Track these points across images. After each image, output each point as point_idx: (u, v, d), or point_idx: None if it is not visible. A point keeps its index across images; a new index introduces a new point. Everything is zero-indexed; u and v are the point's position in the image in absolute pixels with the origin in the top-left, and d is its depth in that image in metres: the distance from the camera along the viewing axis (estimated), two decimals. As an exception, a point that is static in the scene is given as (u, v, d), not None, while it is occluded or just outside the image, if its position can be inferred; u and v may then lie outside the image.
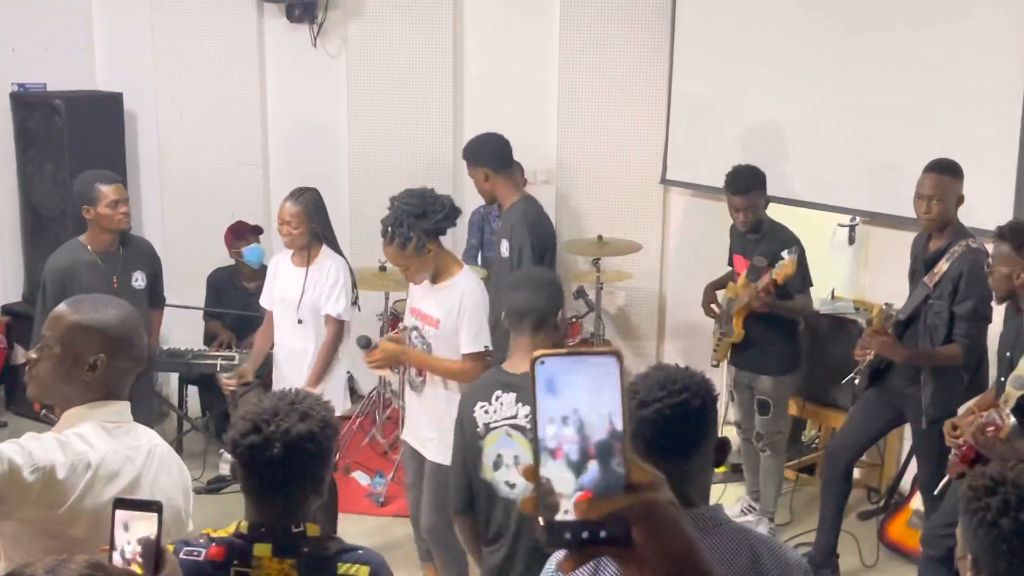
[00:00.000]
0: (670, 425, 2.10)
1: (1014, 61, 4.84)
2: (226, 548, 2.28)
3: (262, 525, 2.29)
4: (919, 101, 5.29)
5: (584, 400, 0.99)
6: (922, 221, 4.46)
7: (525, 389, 3.29)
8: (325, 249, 4.79)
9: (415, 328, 4.20)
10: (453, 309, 4.04)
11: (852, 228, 6.11)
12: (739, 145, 6.10)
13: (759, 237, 5.06)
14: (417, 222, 3.97)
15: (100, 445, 2.35)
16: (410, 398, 4.38)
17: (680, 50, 6.48)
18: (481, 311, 4.08)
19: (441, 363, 4.11)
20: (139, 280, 4.90)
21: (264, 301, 4.99)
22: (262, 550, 2.27)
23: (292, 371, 4.80)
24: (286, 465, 2.21)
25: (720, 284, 5.32)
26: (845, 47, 5.58)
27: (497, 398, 3.26)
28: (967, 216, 4.51)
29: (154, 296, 5.06)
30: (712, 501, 2.28)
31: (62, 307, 2.48)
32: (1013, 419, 3.59)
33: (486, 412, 3.26)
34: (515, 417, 3.24)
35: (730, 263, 5.35)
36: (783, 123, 5.96)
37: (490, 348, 4.08)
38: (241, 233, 6.16)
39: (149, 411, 5.20)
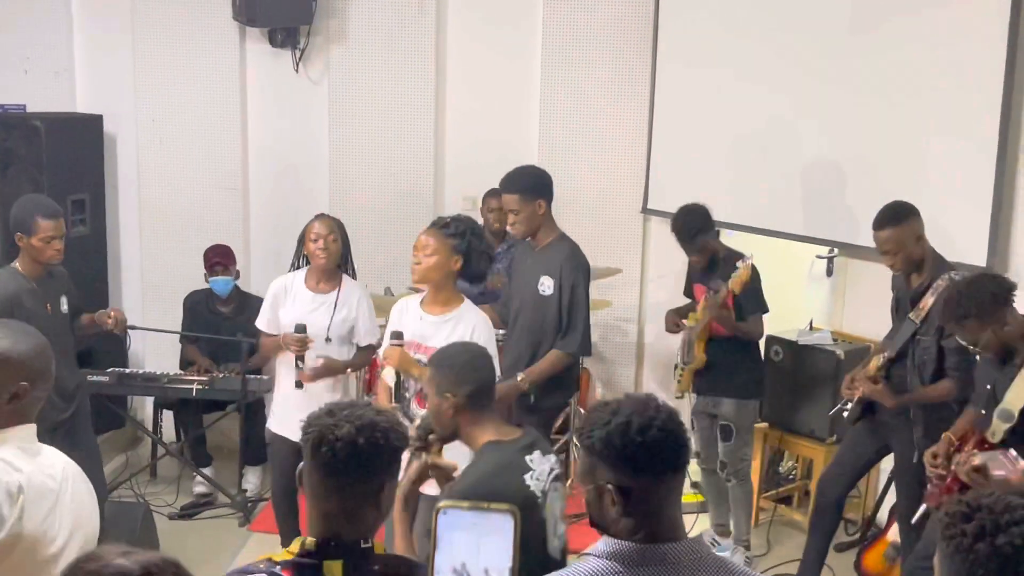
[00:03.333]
0: (672, 439, 2.13)
1: (991, 94, 4.89)
2: (293, 570, 2.15)
3: (331, 539, 2.16)
4: (898, 134, 5.33)
5: (479, 551, 1.02)
6: (894, 272, 4.53)
7: (539, 441, 3.10)
8: (344, 275, 4.87)
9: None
10: (466, 339, 3.94)
11: (830, 260, 6.15)
12: (719, 175, 6.15)
13: (715, 265, 5.11)
14: (474, 237, 4.12)
15: (24, 467, 2.37)
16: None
17: (661, 79, 6.52)
18: (492, 344, 4.04)
19: None
20: (64, 304, 4.87)
21: (263, 324, 4.92)
22: (332, 568, 2.14)
23: (318, 387, 4.76)
24: (353, 445, 2.13)
25: (682, 314, 5.31)
26: (826, 81, 5.63)
27: (531, 461, 3.05)
28: (945, 250, 4.53)
29: (76, 317, 5.03)
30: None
31: None
32: (1021, 461, 3.59)
33: (537, 479, 3.01)
34: (554, 467, 3.11)
35: (688, 293, 5.39)
36: (763, 154, 6.00)
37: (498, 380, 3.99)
38: (208, 263, 6.15)
39: (94, 448, 5.13)
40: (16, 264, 4.73)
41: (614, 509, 2.13)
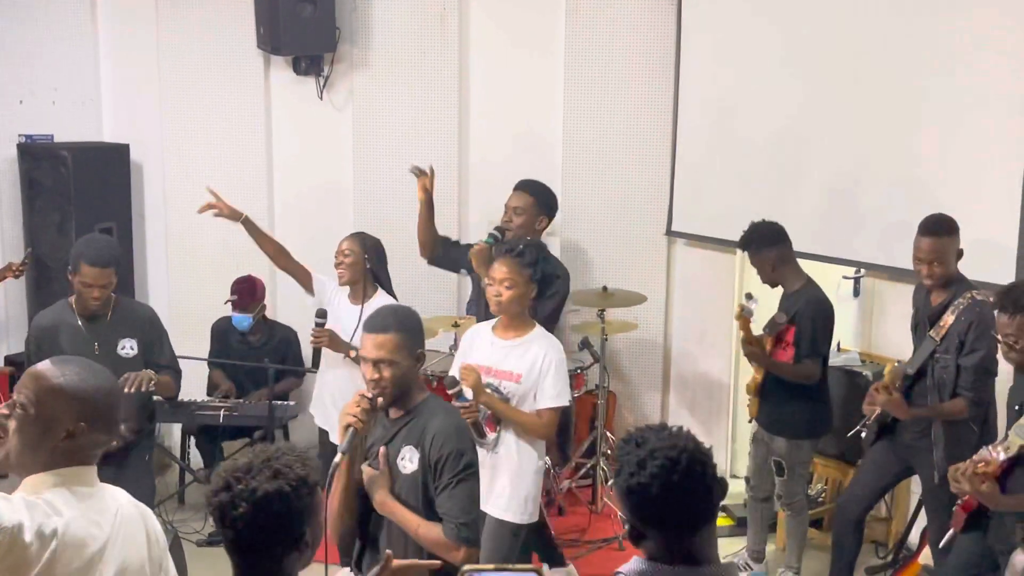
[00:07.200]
0: (698, 500, 2.16)
1: (1018, 112, 4.86)
2: None
3: None
4: (923, 153, 5.31)
5: None
6: (925, 283, 4.47)
7: None
8: (380, 292, 5.21)
9: (487, 385, 4.15)
10: (536, 364, 4.06)
11: (857, 280, 6.11)
12: (743, 197, 6.12)
13: (786, 295, 5.04)
14: (545, 263, 4.25)
15: (66, 512, 2.26)
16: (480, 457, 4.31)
17: (684, 101, 6.52)
18: (564, 368, 4.11)
19: (521, 414, 4.09)
20: (127, 348, 4.63)
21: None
22: None
23: (339, 394, 5.09)
24: (254, 524, 2.14)
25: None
26: (851, 101, 5.61)
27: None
28: (970, 269, 4.49)
29: (151, 365, 4.66)
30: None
31: (46, 367, 2.37)
32: (1002, 455, 3.58)
33: None
34: None
35: None
36: (787, 175, 5.98)
37: (568, 405, 4.13)
38: (240, 301, 6.08)
39: (149, 485, 5.05)
40: (72, 298, 4.63)
41: (639, 541, 2.13)
